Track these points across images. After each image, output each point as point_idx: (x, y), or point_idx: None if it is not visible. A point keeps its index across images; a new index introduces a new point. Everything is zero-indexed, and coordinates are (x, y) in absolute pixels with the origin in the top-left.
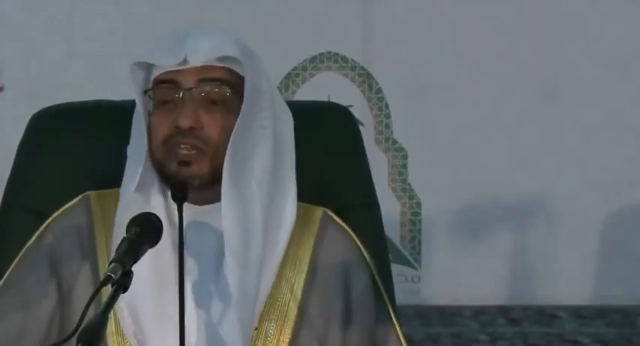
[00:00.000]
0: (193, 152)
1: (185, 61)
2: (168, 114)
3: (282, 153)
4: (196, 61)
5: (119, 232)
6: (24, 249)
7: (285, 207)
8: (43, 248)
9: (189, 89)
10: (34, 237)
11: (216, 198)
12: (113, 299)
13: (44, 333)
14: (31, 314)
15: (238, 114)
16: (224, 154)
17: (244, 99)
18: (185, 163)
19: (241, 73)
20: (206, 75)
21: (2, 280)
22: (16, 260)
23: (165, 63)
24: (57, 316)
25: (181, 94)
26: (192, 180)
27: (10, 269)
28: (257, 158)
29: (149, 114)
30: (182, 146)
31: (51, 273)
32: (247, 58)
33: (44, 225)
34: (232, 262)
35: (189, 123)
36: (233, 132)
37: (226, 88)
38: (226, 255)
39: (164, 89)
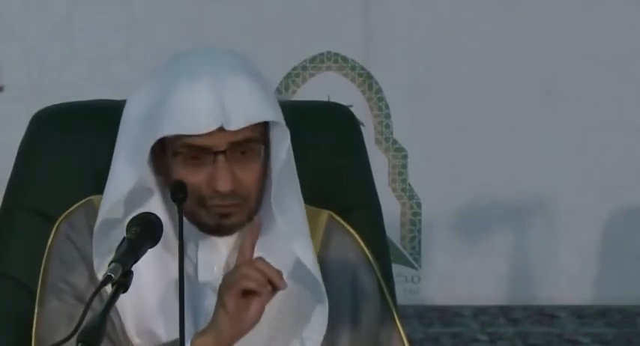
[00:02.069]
0: (232, 208)
1: (219, 128)
2: (198, 170)
3: (294, 168)
4: (233, 127)
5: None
6: (47, 252)
7: (304, 215)
8: (65, 240)
9: (223, 152)
10: (49, 241)
11: (239, 230)
12: (113, 299)
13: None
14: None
15: (262, 156)
16: (257, 200)
17: (279, 156)
18: (225, 216)
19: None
20: (238, 137)
21: (44, 287)
22: (44, 265)
23: (200, 132)
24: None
25: (214, 156)
26: (232, 230)
27: (46, 276)
28: (290, 185)
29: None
30: (222, 206)
31: (81, 260)
32: (275, 108)
33: (53, 229)
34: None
35: (230, 187)
36: (275, 184)
37: (257, 144)
38: (313, 270)
39: (194, 153)
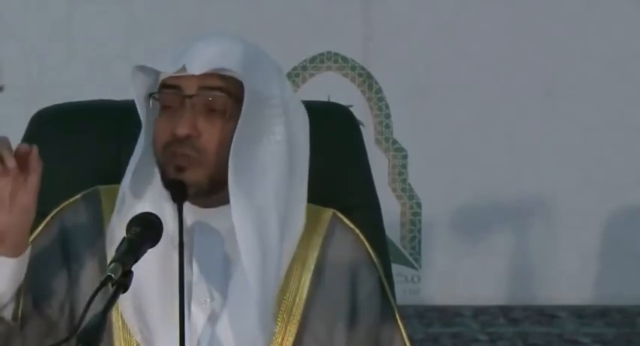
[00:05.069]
0: (186, 159)
1: (184, 69)
2: (169, 120)
3: (296, 159)
4: (194, 70)
5: (117, 231)
6: (30, 243)
7: (298, 213)
8: (53, 238)
9: (190, 96)
10: (40, 228)
11: (220, 201)
12: (113, 299)
13: (55, 324)
14: (46, 309)
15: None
16: (222, 162)
17: (243, 107)
18: (180, 169)
19: (235, 74)
20: (207, 83)
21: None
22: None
23: (164, 69)
24: (67, 304)
25: (182, 101)
26: (188, 188)
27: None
28: (270, 165)
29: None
30: (178, 154)
31: (62, 262)
32: (249, 68)
33: (50, 215)
34: (252, 275)
35: (186, 131)
36: (234, 139)
37: (226, 97)
38: (245, 266)
39: (167, 94)
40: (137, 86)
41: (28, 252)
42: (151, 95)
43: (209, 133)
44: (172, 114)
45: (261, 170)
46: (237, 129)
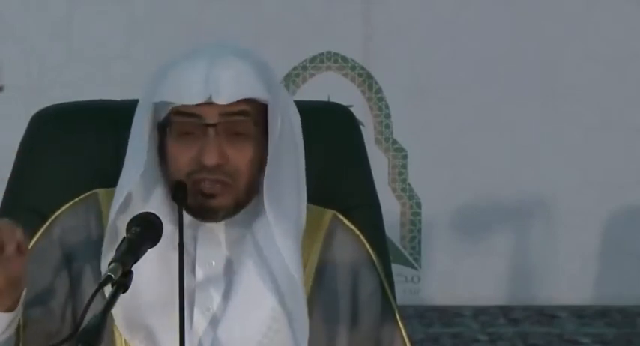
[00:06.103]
0: (218, 186)
1: (209, 99)
2: (189, 145)
3: (301, 162)
4: (221, 101)
5: (114, 234)
6: (30, 248)
7: (301, 214)
8: (53, 242)
9: (213, 125)
10: (40, 232)
11: (225, 216)
12: (113, 299)
13: (58, 327)
14: (47, 312)
15: (260, 142)
16: (248, 184)
17: (271, 130)
18: (210, 196)
19: (262, 101)
20: (230, 109)
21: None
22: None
23: (189, 102)
24: (69, 308)
25: (204, 129)
26: (216, 213)
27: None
28: (289, 179)
29: (161, 134)
30: (207, 181)
31: (63, 266)
32: (269, 90)
33: (50, 219)
34: (297, 276)
35: (216, 160)
36: (268, 163)
37: (250, 120)
38: (293, 272)
39: (185, 122)
40: (148, 113)
41: (21, 302)
42: (165, 124)
43: (237, 159)
44: (193, 141)
45: (285, 185)
46: (270, 153)
